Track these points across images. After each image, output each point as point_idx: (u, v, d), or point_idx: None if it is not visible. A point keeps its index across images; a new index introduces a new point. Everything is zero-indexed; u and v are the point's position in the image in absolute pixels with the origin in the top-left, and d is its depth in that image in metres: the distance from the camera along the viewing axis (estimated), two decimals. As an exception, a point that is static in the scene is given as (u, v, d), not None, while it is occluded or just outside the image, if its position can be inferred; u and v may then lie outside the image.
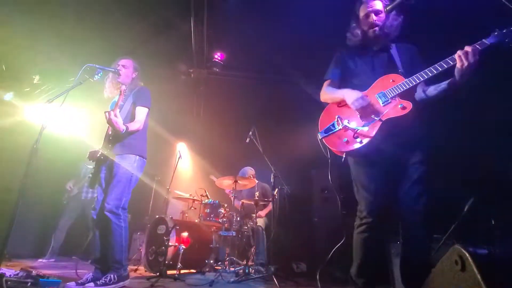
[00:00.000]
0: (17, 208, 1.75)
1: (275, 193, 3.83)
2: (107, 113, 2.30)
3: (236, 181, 3.83)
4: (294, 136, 4.82)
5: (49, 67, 4.15)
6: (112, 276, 2.21)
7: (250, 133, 3.82)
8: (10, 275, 1.81)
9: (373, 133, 1.63)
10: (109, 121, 2.31)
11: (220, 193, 4.70)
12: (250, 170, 4.57)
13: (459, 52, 1.50)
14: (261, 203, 4.02)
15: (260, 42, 4.07)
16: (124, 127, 2.36)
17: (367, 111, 1.69)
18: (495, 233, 2.57)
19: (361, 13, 1.87)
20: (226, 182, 4.01)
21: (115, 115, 2.29)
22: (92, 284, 2.14)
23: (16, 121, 3.92)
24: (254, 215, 3.84)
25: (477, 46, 1.49)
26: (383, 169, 1.69)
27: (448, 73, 1.60)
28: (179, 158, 4.38)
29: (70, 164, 4.69)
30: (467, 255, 0.85)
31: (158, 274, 2.81)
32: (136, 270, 3.50)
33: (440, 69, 1.56)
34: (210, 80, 4.94)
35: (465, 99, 2.59)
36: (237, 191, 3.92)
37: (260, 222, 4.05)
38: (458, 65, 1.50)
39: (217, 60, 4.53)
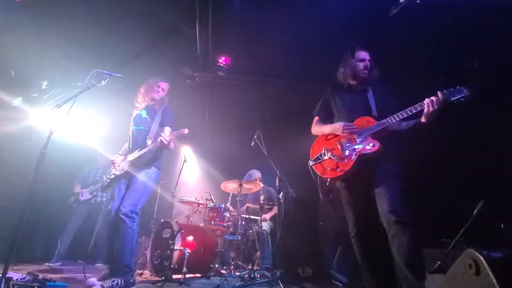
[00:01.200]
0: (25, 213, 1.76)
1: (280, 196, 3.81)
2: (163, 139, 2.52)
3: (241, 185, 3.82)
4: (299, 139, 4.80)
5: (56, 72, 4.21)
6: (119, 280, 2.23)
7: (255, 136, 3.82)
8: (17, 279, 1.82)
9: (350, 166, 2.01)
10: (167, 145, 2.56)
11: (226, 197, 4.69)
12: (256, 173, 4.56)
13: (427, 100, 1.85)
14: (266, 207, 4.01)
15: (265, 46, 4.09)
16: (173, 145, 2.65)
17: (353, 133, 2.06)
18: (505, 236, 2.52)
19: (357, 57, 2.23)
20: (231, 186, 4.00)
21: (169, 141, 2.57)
22: (98, 282, 2.16)
23: (25, 126, 3.97)
24: (259, 219, 3.82)
25: (440, 98, 1.83)
26: (362, 191, 2.02)
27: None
28: (184, 162, 4.39)
29: (78, 168, 4.73)
30: (482, 258, 0.83)
31: (163, 278, 2.81)
32: (141, 274, 3.49)
33: (410, 113, 1.92)
34: (215, 84, 4.96)
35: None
36: (242, 195, 3.92)
37: (265, 226, 4.02)
38: (426, 110, 1.85)
39: (221, 64, 4.56)
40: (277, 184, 3.68)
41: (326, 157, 2.13)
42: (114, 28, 3.81)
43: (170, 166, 5.45)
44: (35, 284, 1.81)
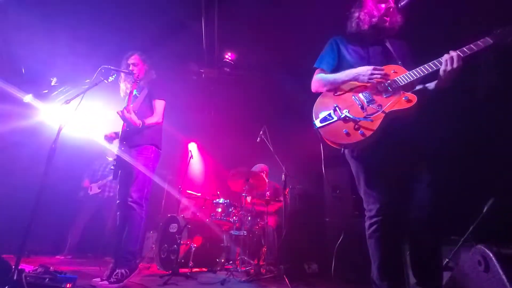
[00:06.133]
0: (37, 206, 1.80)
1: (286, 192, 3.81)
2: (120, 112, 2.39)
3: (248, 180, 3.83)
4: (305, 135, 4.77)
5: (65, 69, 4.27)
6: (122, 271, 2.23)
7: (261, 132, 3.82)
8: (29, 270, 1.86)
9: (376, 126, 1.50)
10: (124, 119, 2.42)
11: (232, 193, 4.71)
12: (263, 166, 4.57)
13: (446, 56, 1.50)
14: (272, 202, 4.01)
15: (271, 41, 4.06)
16: (140, 122, 2.44)
17: (382, 85, 1.60)
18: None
19: (378, 3, 1.79)
20: (238, 182, 4.02)
21: (128, 111, 2.38)
22: (106, 282, 2.18)
23: (36, 122, 4.05)
24: (265, 215, 3.83)
25: (460, 53, 1.49)
26: (385, 162, 1.58)
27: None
28: (190, 158, 4.42)
29: (87, 163, 4.84)
30: (491, 255, 0.81)
31: (170, 272, 2.85)
32: (149, 268, 3.55)
33: (434, 68, 1.55)
34: (221, 79, 4.96)
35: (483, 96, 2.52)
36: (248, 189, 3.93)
37: (271, 222, 4.03)
38: (442, 69, 1.50)
39: (227, 60, 4.55)
40: (283, 179, 3.68)
41: (338, 117, 1.60)
42: (121, 24, 3.84)
43: (177, 162, 5.50)
44: (47, 276, 1.84)
